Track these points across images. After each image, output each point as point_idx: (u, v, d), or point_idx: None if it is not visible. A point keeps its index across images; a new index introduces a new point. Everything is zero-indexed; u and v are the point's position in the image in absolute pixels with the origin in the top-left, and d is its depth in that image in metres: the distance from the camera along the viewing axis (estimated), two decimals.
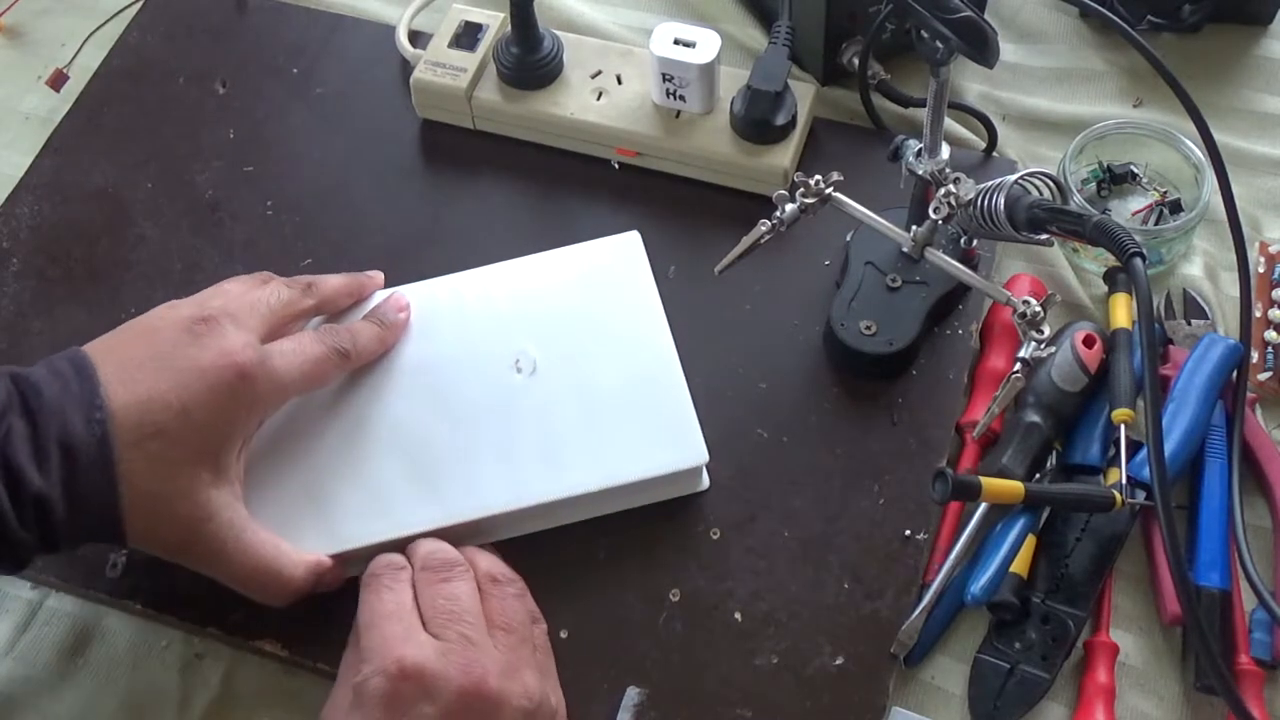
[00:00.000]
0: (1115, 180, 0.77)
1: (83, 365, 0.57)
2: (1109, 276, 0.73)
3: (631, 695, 0.62)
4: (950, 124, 0.79)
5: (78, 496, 0.55)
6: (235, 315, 0.60)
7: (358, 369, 0.66)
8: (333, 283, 0.68)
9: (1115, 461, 0.65)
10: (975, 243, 0.69)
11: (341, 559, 0.62)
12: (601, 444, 0.65)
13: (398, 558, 0.60)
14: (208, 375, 0.58)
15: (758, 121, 0.74)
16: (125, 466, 0.55)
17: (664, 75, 0.75)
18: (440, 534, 0.62)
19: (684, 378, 0.66)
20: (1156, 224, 0.75)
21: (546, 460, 0.64)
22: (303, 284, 0.66)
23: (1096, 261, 0.75)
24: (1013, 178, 0.60)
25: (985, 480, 0.61)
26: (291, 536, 0.61)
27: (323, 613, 0.63)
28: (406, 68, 0.83)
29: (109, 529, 0.56)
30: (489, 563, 0.61)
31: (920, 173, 0.66)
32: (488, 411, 0.66)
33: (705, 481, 0.67)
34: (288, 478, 0.64)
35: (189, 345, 0.58)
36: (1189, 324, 0.72)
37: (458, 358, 0.68)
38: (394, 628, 0.56)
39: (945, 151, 0.67)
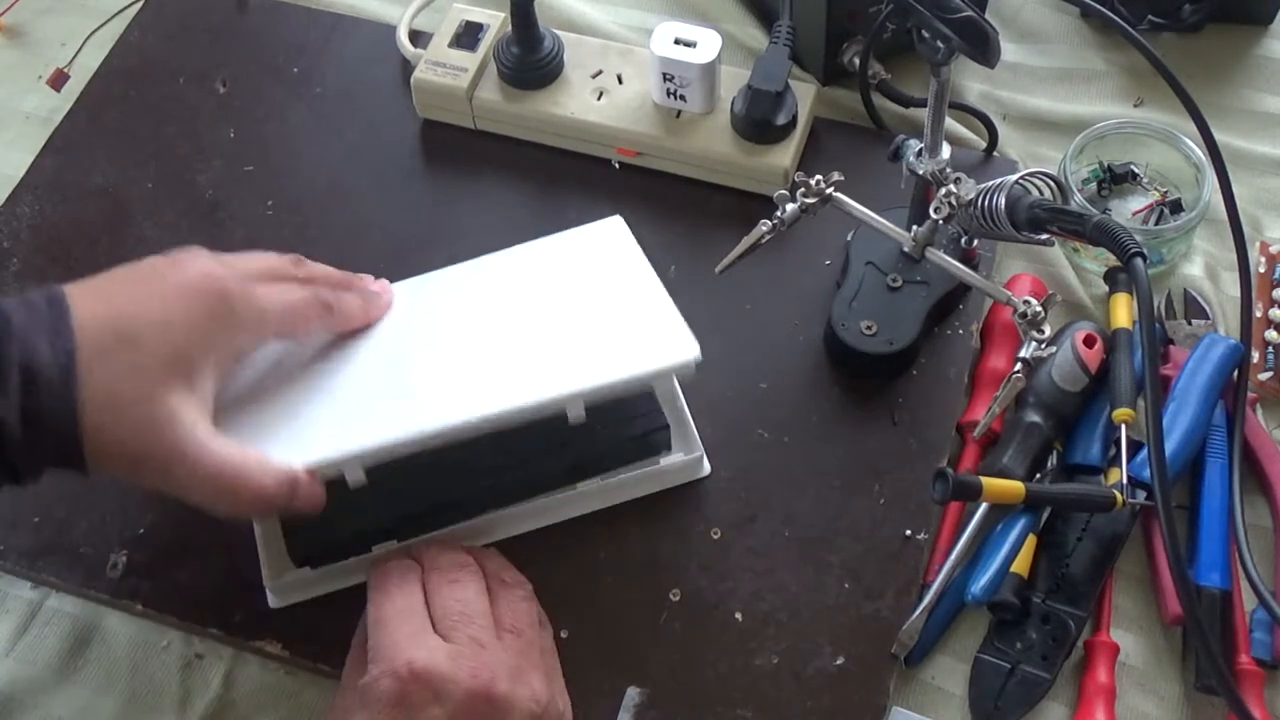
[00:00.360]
0: (1116, 180, 0.77)
1: (56, 296, 0.56)
2: (1109, 276, 0.73)
3: (631, 695, 0.62)
4: (951, 124, 0.79)
5: (33, 410, 0.52)
6: (218, 257, 0.60)
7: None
8: (323, 268, 0.66)
9: (1116, 461, 0.65)
10: (976, 243, 0.69)
11: (318, 474, 0.59)
12: (589, 347, 0.62)
13: (407, 559, 0.60)
14: (186, 292, 0.57)
15: (758, 121, 0.74)
16: (86, 368, 0.53)
17: (664, 75, 0.75)
18: (438, 526, 0.62)
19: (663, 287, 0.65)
20: (1157, 224, 0.75)
21: (531, 365, 0.62)
22: (292, 258, 0.64)
23: (1097, 261, 0.75)
24: (1013, 178, 0.60)
25: (986, 480, 0.61)
26: (264, 449, 0.58)
27: (323, 613, 0.63)
28: (407, 68, 0.82)
29: (66, 434, 0.53)
30: (497, 565, 0.61)
31: (921, 173, 0.66)
32: (470, 335, 0.65)
33: (706, 468, 0.67)
34: (263, 407, 0.62)
35: (170, 269, 0.58)
36: (1189, 324, 0.72)
37: (442, 309, 0.67)
38: (404, 629, 0.55)
39: (946, 151, 0.66)
